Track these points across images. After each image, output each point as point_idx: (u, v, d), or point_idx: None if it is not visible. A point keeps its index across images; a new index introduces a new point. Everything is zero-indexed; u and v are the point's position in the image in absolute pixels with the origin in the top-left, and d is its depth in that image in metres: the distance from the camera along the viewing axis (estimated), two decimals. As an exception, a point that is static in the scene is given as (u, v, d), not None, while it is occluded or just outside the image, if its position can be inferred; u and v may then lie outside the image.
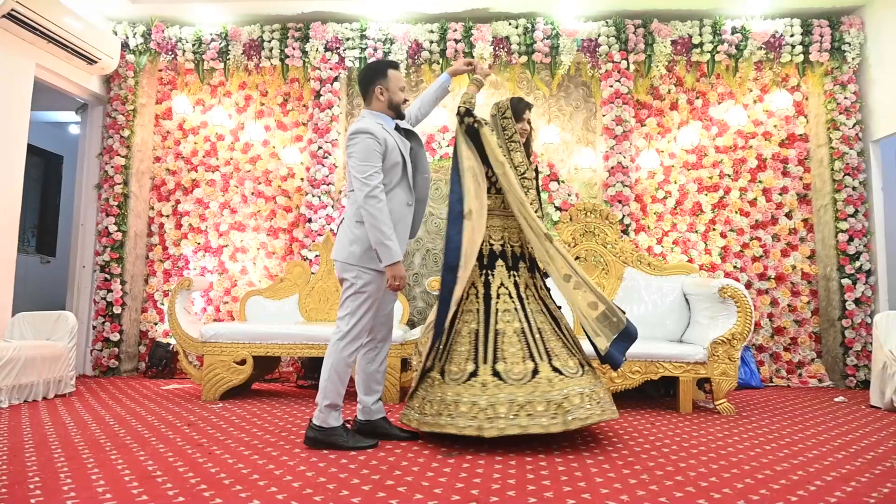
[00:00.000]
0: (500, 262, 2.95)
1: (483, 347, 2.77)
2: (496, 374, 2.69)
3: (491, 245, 2.97)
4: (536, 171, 3.21)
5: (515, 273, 2.96)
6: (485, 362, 2.73)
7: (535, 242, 2.91)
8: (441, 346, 2.90)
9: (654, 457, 2.59)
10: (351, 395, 3.39)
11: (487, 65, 5.18)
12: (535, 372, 2.68)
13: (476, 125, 2.93)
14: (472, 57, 5.15)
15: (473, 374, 2.71)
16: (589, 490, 2.10)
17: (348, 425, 2.83)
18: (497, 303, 2.86)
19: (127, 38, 5.40)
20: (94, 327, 5.25)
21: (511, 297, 2.88)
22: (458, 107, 2.97)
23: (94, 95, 5.42)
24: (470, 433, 2.58)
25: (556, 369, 2.71)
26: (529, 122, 3.16)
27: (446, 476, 2.26)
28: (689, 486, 2.17)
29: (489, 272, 2.94)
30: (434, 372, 2.85)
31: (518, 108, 3.12)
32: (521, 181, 3.02)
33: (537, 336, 2.80)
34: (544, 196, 5.30)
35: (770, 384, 5.00)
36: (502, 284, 2.91)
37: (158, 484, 2.12)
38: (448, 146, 5.33)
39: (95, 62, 5.06)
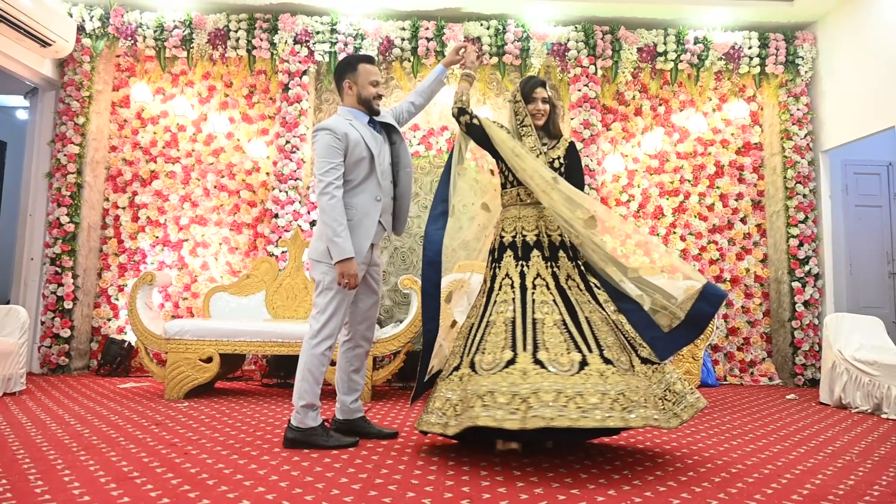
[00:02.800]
0: (535, 252, 2.72)
1: (522, 334, 2.47)
2: (538, 362, 2.36)
3: (524, 237, 2.74)
4: (569, 156, 2.84)
5: (554, 264, 2.71)
6: (524, 350, 2.41)
7: (571, 228, 2.67)
8: (469, 341, 2.62)
9: (632, 453, 2.66)
10: (330, 395, 3.35)
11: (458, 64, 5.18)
12: (584, 363, 2.36)
13: (475, 121, 2.81)
14: (444, 56, 5.15)
15: (511, 361, 2.38)
16: (577, 486, 2.14)
17: (327, 424, 2.80)
18: (534, 293, 2.63)
19: (83, 20, 5.15)
20: (43, 322, 5.00)
21: (549, 289, 2.63)
22: (452, 108, 2.87)
23: (45, 80, 5.16)
24: (511, 426, 2.19)
25: (607, 360, 2.40)
26: (547, 100, 2.83)
27: (434, 474, 2.27)
28: (670, 480, 2.24)
29: (524, 263, 2.71)
30: (463, 368, 2.53)
31: (526, 88, 2.83)
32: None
33: (585, 326, 2.52)
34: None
35: (724, 382, 5.20)
36: (539, 275, 2.68)
37: (138, 485, 2.04)
38: (418, 144, 5.32)
39: (49, 45, 4.81)
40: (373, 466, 2.35)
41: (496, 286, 2.71)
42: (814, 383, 4.92)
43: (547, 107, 2.84)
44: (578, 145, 5.18)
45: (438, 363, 2.80)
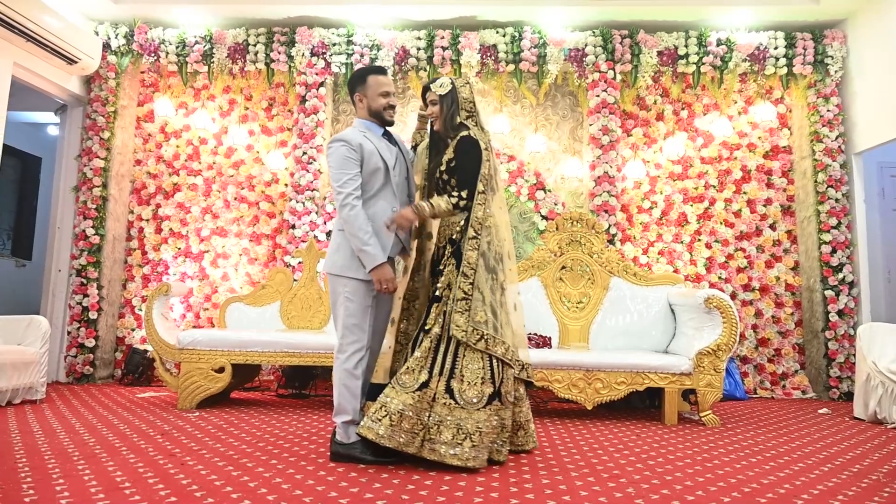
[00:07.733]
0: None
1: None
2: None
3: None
4: (456, 153, 2.70)
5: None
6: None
7: None
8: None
9: (640, 469, 2.54)
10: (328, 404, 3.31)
11: (475, 72, 5.15)
12: (429, 389, 2.56)
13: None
14: (459, 64, 5.11)
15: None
16: (573, 504, 2.05)
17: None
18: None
19: (109, 38, 5.30)
20: (69, 332, 5.12)
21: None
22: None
23: (73, 96, 5.32)
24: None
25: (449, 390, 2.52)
26: (436, 101, 2.77)
27: (427, 489, 2.20)
28: (675, 499, 2.12)
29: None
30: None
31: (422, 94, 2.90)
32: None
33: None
34: (529, 205, 5.26)
35: (754, 396, 4.98)
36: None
37: (126, 496, 2.03)
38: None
39: (76, 62, 4.96)
40: (367, 480, 2.30)
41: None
42: (849, 397, 4.66)
43: (435, 108, 2.77)
44: (596, 152, 5.08)
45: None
